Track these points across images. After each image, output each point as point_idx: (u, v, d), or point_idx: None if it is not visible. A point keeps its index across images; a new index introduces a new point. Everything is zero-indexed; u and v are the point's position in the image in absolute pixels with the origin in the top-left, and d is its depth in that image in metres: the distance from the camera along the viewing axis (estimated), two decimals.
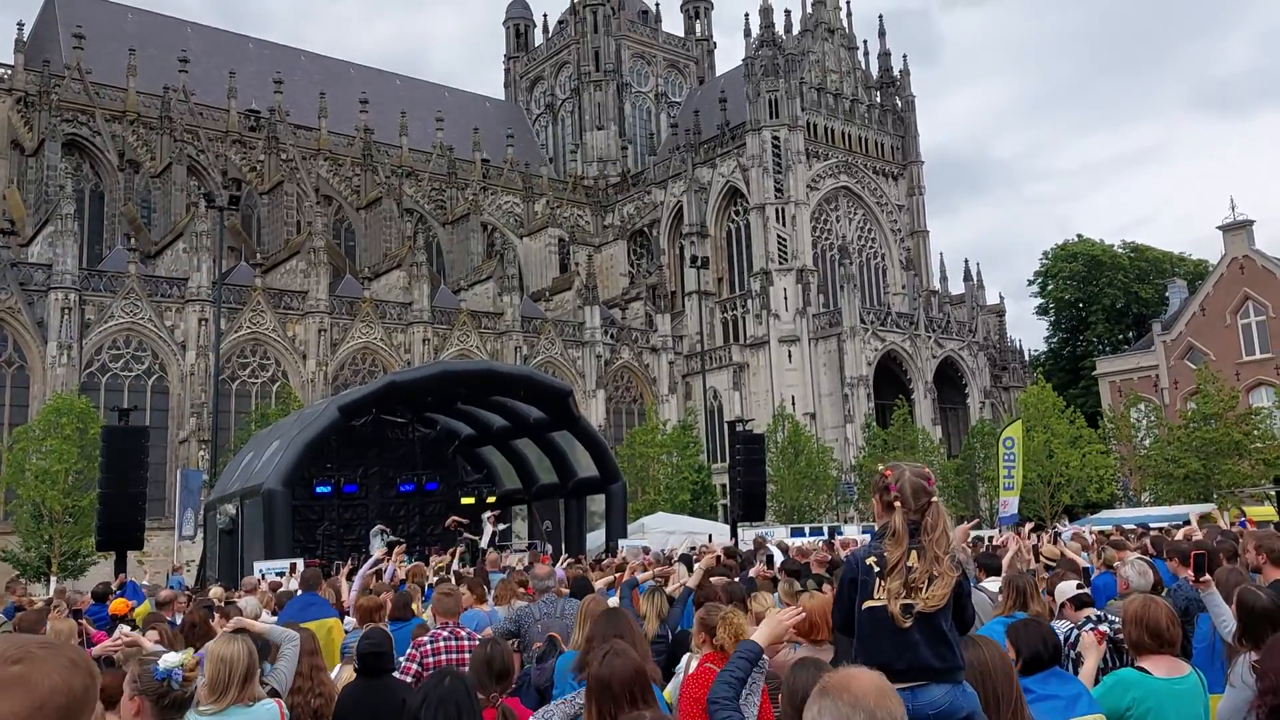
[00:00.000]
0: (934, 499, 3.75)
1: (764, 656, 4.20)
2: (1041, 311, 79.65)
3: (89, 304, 44.31)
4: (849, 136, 68.88)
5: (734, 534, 28.53)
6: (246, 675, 4.67)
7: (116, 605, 13.85)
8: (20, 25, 56.93)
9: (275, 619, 9.52)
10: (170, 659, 4.18)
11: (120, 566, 22.17)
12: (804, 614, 4.34)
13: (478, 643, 6.70)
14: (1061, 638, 5.81)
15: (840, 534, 28.56)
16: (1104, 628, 6.30)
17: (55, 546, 34.25)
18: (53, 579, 32.79)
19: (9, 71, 55.24)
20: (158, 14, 69.13)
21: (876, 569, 3.63)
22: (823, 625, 5.11)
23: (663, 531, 30.20)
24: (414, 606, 9.40)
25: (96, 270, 46.88)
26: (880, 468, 3.88)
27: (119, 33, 60.97)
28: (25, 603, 14.35)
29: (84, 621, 11.20)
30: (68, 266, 43.49)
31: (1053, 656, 4.68)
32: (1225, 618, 5.70)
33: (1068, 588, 6.82)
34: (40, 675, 1.72)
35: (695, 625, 5.61)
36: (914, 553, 3.61)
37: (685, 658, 5.01)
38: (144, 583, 21.32)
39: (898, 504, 3.69)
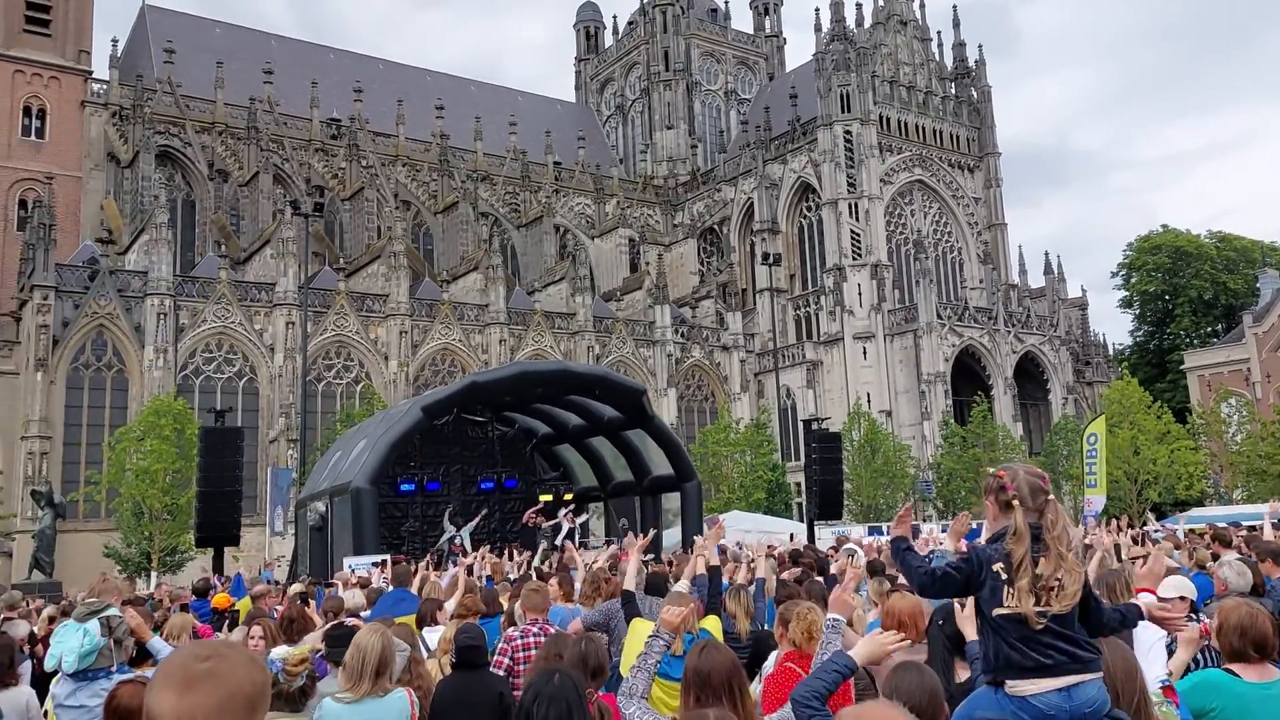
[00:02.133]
0: (1050, 497, 3.69)
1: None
2: (1125, 304, 77.60)
3: (183, 309, 46.05)
4: (923, 129, 67.90)
5: (811, 533, 28.53)
6: (378, 667, 4.83)
7: (219, 600, 14.52)
8: (115, 41, 59.30)
9: (368, 614, 9.96)
10: (277, 652, 4.46)
11: (218, 562, 23.14)
12: (907, 640, 4.32)
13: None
14: (1162, 636, 5.73)
15: (920, 533, 28.27)
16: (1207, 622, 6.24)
17: (155, 543, 35.67)
18: (153, 574, 34.23)
19: (105, 87, 57.57)
20: (244, 27, 71.47)
21: (1004, 576, 3.57)
22: (912, 626, 5.13)
23: (738, 530, 30.27)
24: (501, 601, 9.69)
25: (190, 276, 48.67)
26: (992, 470, 3.82)
27: (207, 46, 63.09)
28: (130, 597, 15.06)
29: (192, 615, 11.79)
30: (163, 273, 45.27)
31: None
32: None
33: (1173, 584, 6.71)
34: (229, 669, 1.97)
35: (776, 623, 5.74)
36: (1040, 555, 3.55)
37: (772, 656, 5.12)
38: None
39: (1016, 503, 3.63)
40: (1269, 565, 7.91)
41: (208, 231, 57.12)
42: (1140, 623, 4.66)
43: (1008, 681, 3.56)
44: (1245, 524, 23.02)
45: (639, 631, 6.49)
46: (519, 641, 6.85)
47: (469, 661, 6.06)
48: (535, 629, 6.93)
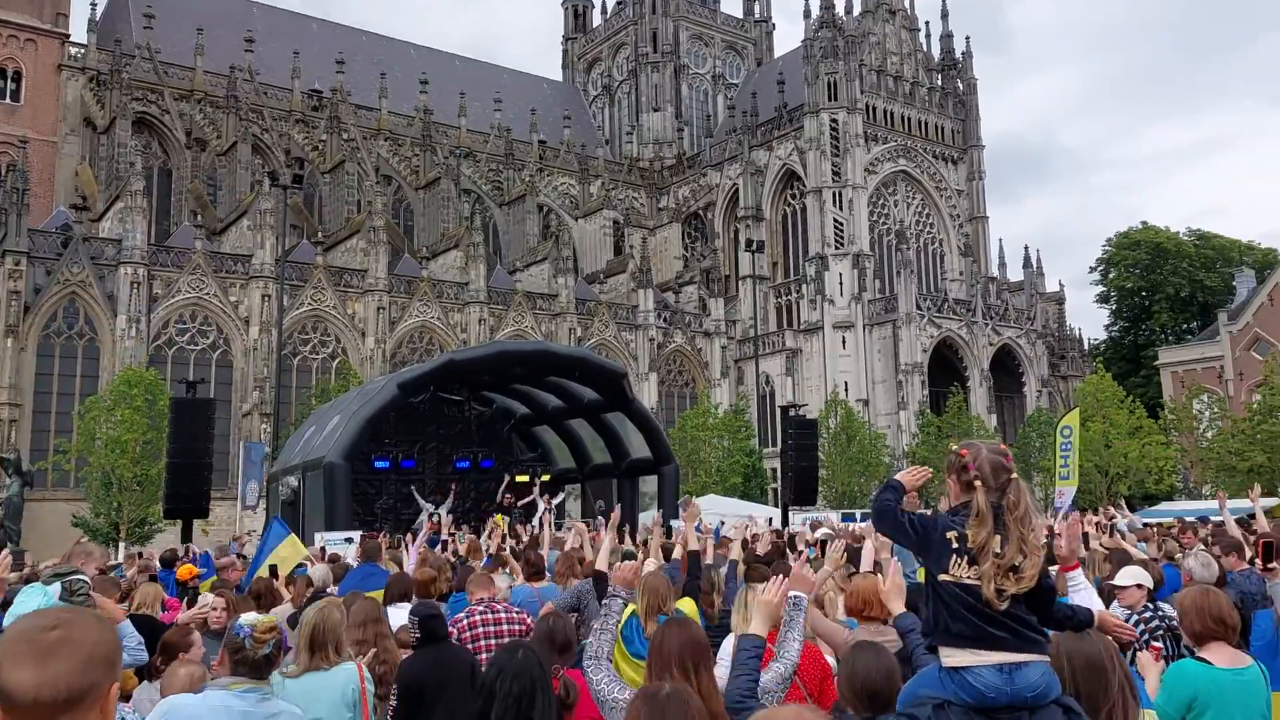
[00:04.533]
0: (1013, 476, 3.58)
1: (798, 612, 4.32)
2: (1102, 299, 78.18)
3: (157, 279, 45.48)
4: (909, 120, 67.91)
5: (785, 518, 28.60)
6: (312, 641, 4.91)
7: (183, 571, 14.38)
8: (93, 5, 58.35)
9: (336, 589, 9.84)
10: (246, 618, 4.37)
11: (186, 534, 22.83)
12: (786, 584, 4.22)
13: (515, 617, 6.88)
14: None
15: None
16: (1155, 623, 6.25)
17: (124, 513, 35.36)
18: (121, 545, 33.90)
19: (82, 51, 56.64)
20: None
21: (955, 545, 3.47)
22: (875, 604, 5.07)
23: (715, 514, 30.29)
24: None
25: (164, 246, 48.08)
26: (954, 447, 3.70)
27: (188, 13, 62.06)
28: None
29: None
30: (137, 242, 44.67)
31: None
32: None
33: (1130, 573, 6.75)
34: (80, 633, 1.92)
35: (735, 606, 5.70)
36: (998, 536, 3.45)
37: (726, 640, 5.02)
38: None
39: (978, 483, 3.51)
40: (1232, 559, 8.10)
41: (184, 201, 56.43)
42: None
43: (942, 650, 3.47)
44: (1213, 519, 23.25)
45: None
46: (465, 622, 6.77)
47: (434, 633, 5.97)
48: (481, 608, 6.85)
